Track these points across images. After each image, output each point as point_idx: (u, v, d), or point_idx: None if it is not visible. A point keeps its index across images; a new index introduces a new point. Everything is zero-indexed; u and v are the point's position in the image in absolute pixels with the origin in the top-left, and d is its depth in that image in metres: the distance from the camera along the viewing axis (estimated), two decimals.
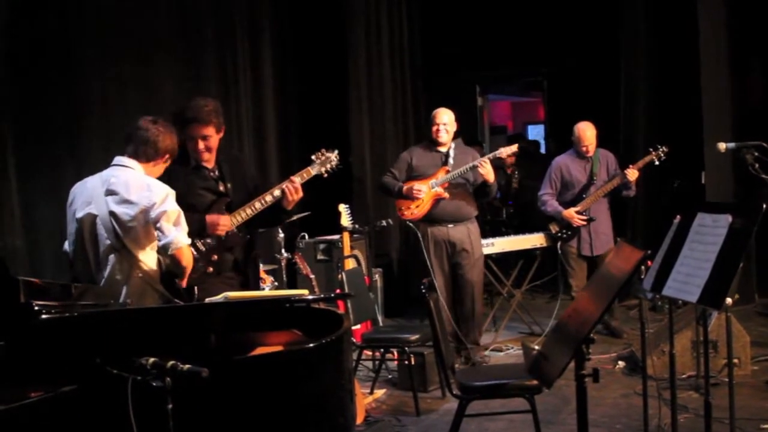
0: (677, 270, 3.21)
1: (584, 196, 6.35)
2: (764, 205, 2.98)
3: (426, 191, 5.77)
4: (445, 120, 5.84)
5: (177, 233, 3.42)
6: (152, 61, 5.98)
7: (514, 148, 6.04)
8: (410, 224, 5.92)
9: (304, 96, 7.93)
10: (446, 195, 5.76)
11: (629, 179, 6.23)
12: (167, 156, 3.63)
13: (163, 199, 3.43)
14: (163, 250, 3.45)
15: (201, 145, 3.93)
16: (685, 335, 5.14)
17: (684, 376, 5.01)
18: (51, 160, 5.17)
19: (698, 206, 3.31)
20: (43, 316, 2.44)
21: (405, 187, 5.82)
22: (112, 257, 3.45)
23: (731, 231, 3.00)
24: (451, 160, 5.82)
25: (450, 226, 5.83)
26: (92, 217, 3.47)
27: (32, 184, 5.06)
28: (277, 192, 4.00)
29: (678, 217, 3.45)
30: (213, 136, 3.96)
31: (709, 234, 3.11)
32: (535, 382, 3.59)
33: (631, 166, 6.28)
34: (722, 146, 4.44)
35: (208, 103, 3.97)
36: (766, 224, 3.03)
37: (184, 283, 3.67)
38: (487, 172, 5.69)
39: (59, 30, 5.27)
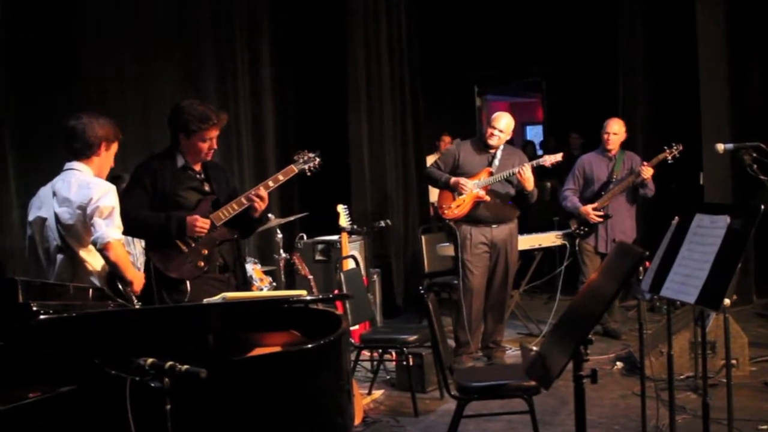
0: (675, 271, 3.21)
1: (603, 193, 6.35)
2: (762, 207, 2.97)
3: (469, 189, 5.75)
4: (502, 127, 5.77)
5: (106, 228, 3.43)
6: (151, 61, 5.99)
7: (559, 157, 5.90)
8: (450, 224, 5.86)
9: (303, 96, 7.92)
10: (487, 198, 5.73)
11: (644, 176, 6.15)
12: (104, 143, 3.65)
13: (100, 195, 3.46)
14: (94, 246, 3.48)
15: (210, 145, 4.03)
16: (683, 336, 5.14)
17: (682, 376, 5.02)
18: (50, 161, 5.16)
19: (696, 207, 3.32)
20: (42, 317, 2.44)
21: (453, 179, 5.77)
22: (59, 257, 3.53)
23: (729, 232, 3.00)
24: (496, 162, 5.80)
25: (494, 227, 5.81)
26: (42, 220, 3.59)
27: (31, 185, 5.04)
28: (253, 193, 4.02)
29: (676, 218, 3.45)
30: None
31: (707, 235, 3.11)
32: (533, 382, 3.59)
33: (645, 163, 6.22)
34: (720, 147, 4.44)
35: (217, 109, 4.16)
36: (764, 225, 3.03)
37: (136, 289, 3.65)
38: (527, 179, 5.66)
39: (59, 30, 5.27)
